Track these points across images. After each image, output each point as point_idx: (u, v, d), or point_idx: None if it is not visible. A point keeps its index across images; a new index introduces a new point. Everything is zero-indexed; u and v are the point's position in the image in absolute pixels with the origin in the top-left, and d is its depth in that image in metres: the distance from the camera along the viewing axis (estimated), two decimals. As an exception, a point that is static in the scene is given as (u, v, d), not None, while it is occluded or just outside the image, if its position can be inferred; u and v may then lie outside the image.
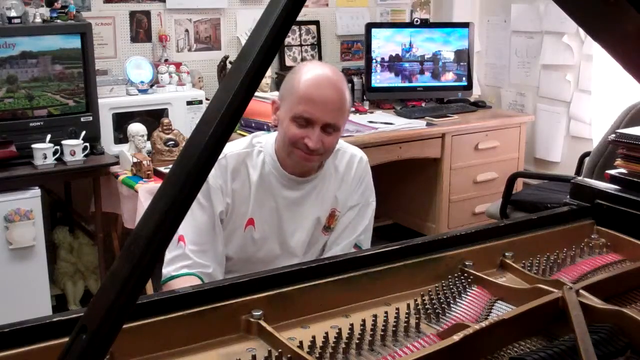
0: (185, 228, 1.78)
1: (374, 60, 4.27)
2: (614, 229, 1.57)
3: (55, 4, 3.24)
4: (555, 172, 4.21)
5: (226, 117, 0.78)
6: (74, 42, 3.14)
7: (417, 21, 4.39)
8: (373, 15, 4.60)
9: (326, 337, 1.12)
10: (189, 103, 3.51)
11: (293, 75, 1.79)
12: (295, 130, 1.75)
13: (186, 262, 1.76)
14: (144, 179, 3.06)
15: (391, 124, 3.85)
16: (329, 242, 1.95)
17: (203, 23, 4.00)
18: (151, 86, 3.53)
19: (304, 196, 1.88)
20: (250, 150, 1.86)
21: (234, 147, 1.85)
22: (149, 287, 2.08)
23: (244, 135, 2.69)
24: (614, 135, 1.70)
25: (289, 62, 4.30)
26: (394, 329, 1.19)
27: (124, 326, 0.79)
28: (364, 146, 3.47)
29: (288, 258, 1.88)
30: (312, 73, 1.76)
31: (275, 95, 3.66)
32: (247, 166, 1.85)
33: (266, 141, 1.88)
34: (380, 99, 4.35)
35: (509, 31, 4.49)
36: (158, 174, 3.08)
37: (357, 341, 1.13)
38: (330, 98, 1.74)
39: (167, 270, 1.78)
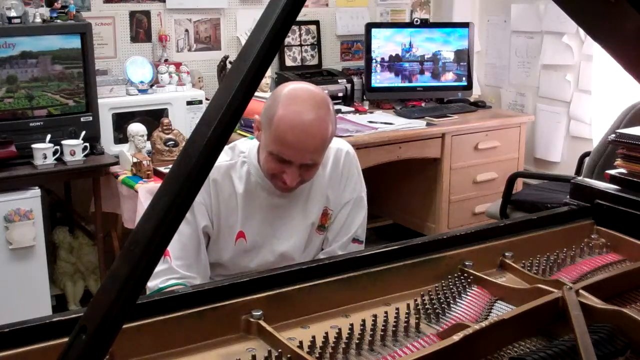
0: (171, 243, 1.75)
1: (373, 60, 4.27)
2: (614, 229, 1.57)
3: (55, 4, 3.24)
4: (555, 172, 4.21)
5: (226, 117, 0.78)
6: (74, 42, 3.14)
7: (417, 21, 4.38)
8: (373, 15, 4.60)
9: (326, 337, 1.12)
10: (189, 103, 3.51)
11: (273, 102, 1.69)
12: (272, 164, 1.70)
13: (173, 275, 1.74)
14: (144, 179, 3.06)
15: (391, 124, 3.85)
16: (327, 240, 1.93)
17: (203, 23, 4.00)
18: (151, 86, 3.53)
19: (293, 202, 1.85)
20: (234, 162, 1.83)
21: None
22: (149, 287, 2.08)
23: (244, 135, 2.69)
24: (614, 135, 1.70)
25: (289, 62, 4.31)
26: (394, 329, 1.19)
27: (124, 326, 0.79)
28: (364, 146, 3.48)
29: (284, 264, 1.85)
30: (291, 111, 1.65)
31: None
32: (232, 178, 1.81)
33: (249, 150, 1.84)
34: (380, 99, 4.35)
35: (509, 31, 4.49)
36: (158, 174, 3.08)
37: (357, 341, 1.13)
38: (307, 143, 1.66)
39: (153, 284, 1.73)
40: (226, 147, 1.86)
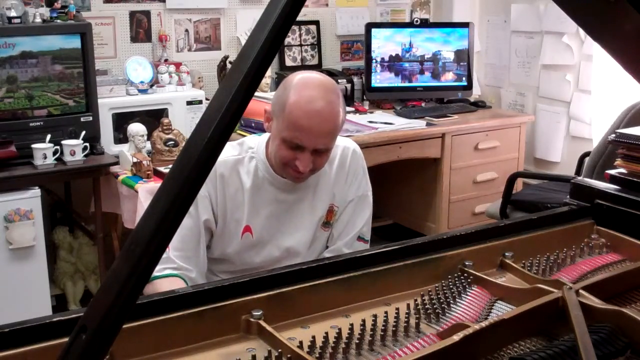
0: None
1: (374, 60, 4.27)
2: (614, 229, 1.57)
3: (55, 4, 3.24)
4: (555, 172, 4.21)
5: (226, 117, 0.78)
6: (74, 42, 3.14)
7: (417, 21, 4.38)
8: (373, 15, 4.60)
9: (326, 337, 1.12)
10: (189, 103, 3.51)
11: (285, 90, 1.72)
12: (285, 152, 1.72)
13: (170, 265, 1.74)
14: (144, 179, 3.06)
15: (391, 124, 3.85)
16: (332, 238, 1.94)
17: (203, 23, 4.00)
18: (151, 86, 3.53)
19: (301, 197, 1.87)
20: (242, 157, 1.84)
21: (223, 154, 1.83)
22: (149, 287, 2.08)
23: (244, 135, 2.68)
24: (614, 135, 1.70)
25: (289, 62, 4.30)
26: (394, 329, 1.19)
27: (124, 326, 0.79)
28: (364, 146, 3.47)
29: (289, 259, 1.87)
30: (304, 96, 1.68)
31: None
32: (239, 173, 1.83)
33: (257, 146, 1.86)
34: (380, 99, 4.35)
35: (509, 31, 4.49)
36: (158, 174, 3.07)
37: (357, 341, 1.13)
38: (321, 127, 1.68)
39: None
40: (234, 143, 1.88)
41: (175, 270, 1.74)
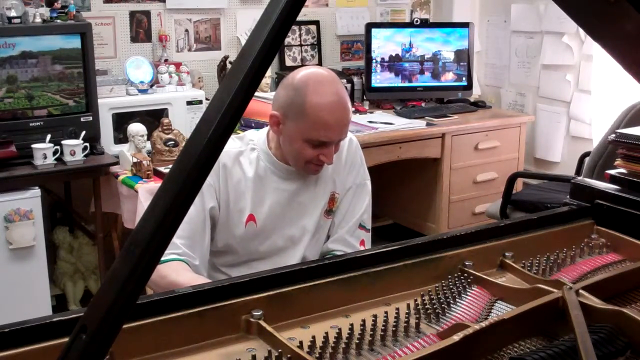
0: None
1: (374, 60, 4.27)
2: (614, 229, 1.57)
3: (55, 4, 3.24)
4: (555, 172, 4.21)
5: (226, 117, 0.78)
6: (74, 42, 3.14)
7: (417, 21, 4.39)
8: (373, 15, 4.60)
9: (326, 337, 1.12)
10: (189, 103, 3.51)
11: (295, 92, 1.75)
12: (310, 151, 1.77)
13: (175, 250, 1.76)
14: (144, 179, 3.06)
15: (391, 124, 3.85)
16: (334, 226, 1.97)
17: (203, 23, 4.00)
18: (151, 86, 3.53)
19: (303, 186, 1.90)
20: (244, 149, 1.89)
21: (225, 146, 1.84)
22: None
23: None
24: (614, 135, 1.70)
25: (289, 62, 4.30)
26: (394, 329, 1.19)
27: (124, 326, 0.79)
28: (364, 146, 3.47)
29: (293, 248, 1.90)
30: (321, 94, 1.73)
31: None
32: (241, 163, 1.86)
33: (257, 138, 1.91)
34: (380, 99, 4.35)
35: (509, 31, 4.49)
36: (158, 174, 3.07)
37: (357, 341, 1.13)
38: (343, 120, 1.76)
39: None
40: (235, 137, 1.92)
41: (180, 255, 1.76)
